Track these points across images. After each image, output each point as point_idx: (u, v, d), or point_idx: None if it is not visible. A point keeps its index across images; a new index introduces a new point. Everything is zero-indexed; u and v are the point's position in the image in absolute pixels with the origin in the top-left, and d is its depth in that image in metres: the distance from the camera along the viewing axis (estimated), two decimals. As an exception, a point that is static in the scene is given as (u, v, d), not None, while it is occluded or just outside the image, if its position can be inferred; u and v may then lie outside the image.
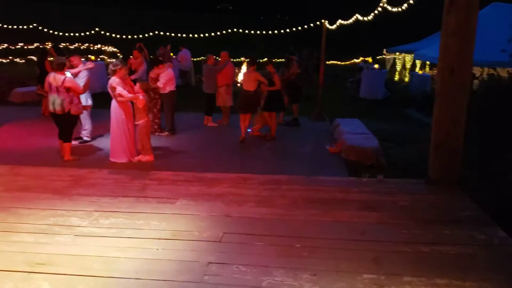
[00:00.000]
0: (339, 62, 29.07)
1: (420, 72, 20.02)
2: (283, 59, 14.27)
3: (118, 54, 13.31)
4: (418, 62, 21.36)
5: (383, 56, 25.81)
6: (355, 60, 28.04)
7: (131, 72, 11.40)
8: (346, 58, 29.28)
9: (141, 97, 7.80)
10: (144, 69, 12.33)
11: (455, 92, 5.80)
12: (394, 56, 24.45)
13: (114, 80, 7.81)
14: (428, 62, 19.90)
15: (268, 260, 4.18)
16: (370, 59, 25.82)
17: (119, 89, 7.72)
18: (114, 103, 7.88)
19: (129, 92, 7.83)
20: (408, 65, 22.98)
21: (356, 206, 5.48)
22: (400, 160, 8.91)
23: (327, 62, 27.09)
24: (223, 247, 4.49)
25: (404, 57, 23.24)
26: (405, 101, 15.98)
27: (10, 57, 18.38)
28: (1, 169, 6.93)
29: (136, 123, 7.98)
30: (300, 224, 5.04)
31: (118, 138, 7.97)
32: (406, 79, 22.05)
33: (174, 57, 17.65)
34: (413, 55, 19.74)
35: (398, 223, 4.98)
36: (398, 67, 23.92)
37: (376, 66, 18.92)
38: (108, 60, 17.64)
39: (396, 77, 23.44)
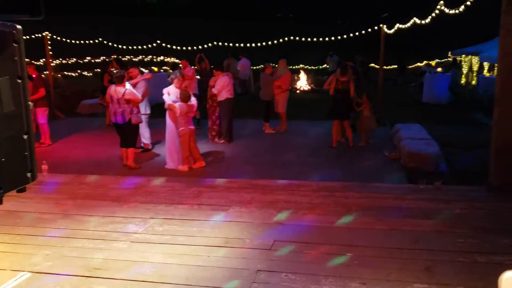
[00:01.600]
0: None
1: (488, 74, 19.06)
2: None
3: (180, 65, 13.73)
4: (486, 65, 20.36)
5: (448, 59, 24.82)
6: (419, 64, 27.13)
7: None
8: (409, 62, 28.43)
9: (176, 105, 7.94)
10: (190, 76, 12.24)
11: (515, 94, 5.50)
12: (460, 58, 23.47)
13: (165, 89, 8.16)
14: (496, 64, 18.90)
15: (317, 268, 4.13)
16: (433, 63, 24.92)
17: (165, 97, 8.09)
18: (168, 112, 8.17)
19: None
20: (475, 68, 21.99)
21: (410, 213, 5.31)
22: (464, 166, 8.50)
23: (388, 67, 26.47)
24: (273, 255, 4.48)
25: (471, 60, 22.25)
26: (472, 105, 15.25)
27: (79, 71, 19.48)
28: (67, 178, 7.33)
29: (178, 131, 8.11)
30: (352, 231, 4.95)
31: (170, 145, 8.26)
32: (473, 82, 21.08)
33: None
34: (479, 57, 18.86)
35: (454, 231, 4.78)
36: (465, 70, 22.92)
37: (439, 69, 18.21)
38: (170, 71, 18.20)
39: (463, 80, 22.48)
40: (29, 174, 2.25)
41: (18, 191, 2.27)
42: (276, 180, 6.94)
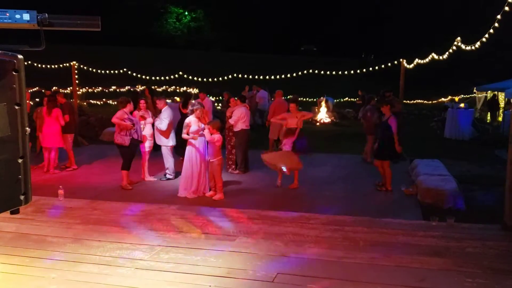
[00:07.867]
0: (425, 101, 28.15)
1: (514, 111, 18.76)
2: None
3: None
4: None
5: (474, 94, 24.61)
6: (443, 99, 26.99)
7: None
8: (434, 97, 28.34)
9: (216, 137, 8.13)
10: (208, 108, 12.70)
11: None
12: (486, 94, 23.22)
13: (188, 119, 8.33)
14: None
15: (318, 303, 4.06)
16: (456, 98, 24.74)
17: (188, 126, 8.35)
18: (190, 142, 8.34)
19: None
20: (502, 104, 21.72)
21: (419, 250, 5.20)
22: (483, 204, 8.32)
23: (412, 102, 26.41)
24: None
25: (497, 96, 22.00)
26: (496, 142, 14.97)
27: (104, 99, 20.10)
28: (81, 203, 7.45)
29: (211, 160, 8.24)
30: (357, 267, 4.87)
31: (188, 174, 8.35)
32: (500, 119, 20.79)
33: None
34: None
35: (463, 270, 4.66)
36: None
37: (462, 105, 18.04)
38: (192, 101, 18.51)
39: (489, 117, 22.18)
40: (22, 197, 2.32)
41: (11, 213, 2.34)
42: (285, 212, 6.91)
